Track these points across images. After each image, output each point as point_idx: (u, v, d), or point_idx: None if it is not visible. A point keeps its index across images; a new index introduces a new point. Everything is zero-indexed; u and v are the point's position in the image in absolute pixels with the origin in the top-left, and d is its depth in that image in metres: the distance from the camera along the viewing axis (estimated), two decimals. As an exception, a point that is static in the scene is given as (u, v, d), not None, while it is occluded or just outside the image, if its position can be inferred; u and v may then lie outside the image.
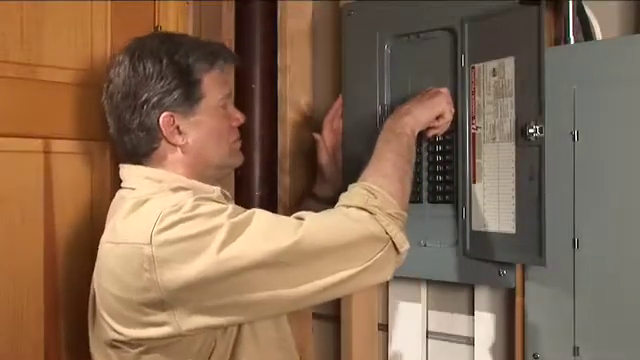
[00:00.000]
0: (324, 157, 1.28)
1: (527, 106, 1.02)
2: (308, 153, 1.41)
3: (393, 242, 0.93)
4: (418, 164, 1.15)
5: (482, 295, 1.19)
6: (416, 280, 1.26)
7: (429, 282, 1.27)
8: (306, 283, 0.89)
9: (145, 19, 1.36)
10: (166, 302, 0.89)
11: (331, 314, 1.39)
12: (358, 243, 0.91)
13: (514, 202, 1.04)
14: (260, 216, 0.92)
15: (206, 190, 1.03)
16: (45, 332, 1.22)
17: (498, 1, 1.06)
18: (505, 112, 1.06)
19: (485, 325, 1.18)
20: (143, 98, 1.00)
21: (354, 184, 0.98)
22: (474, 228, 1.11)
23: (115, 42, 1.18)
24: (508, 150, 1.05)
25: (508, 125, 1.05)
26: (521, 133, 1.02)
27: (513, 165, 1.04)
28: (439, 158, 1.17)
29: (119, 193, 1.05)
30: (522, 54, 1.02)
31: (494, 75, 1.07)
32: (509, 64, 1.05)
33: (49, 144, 1.22)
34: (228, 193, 1.10)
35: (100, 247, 1.00)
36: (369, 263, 0.91)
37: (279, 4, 1.42)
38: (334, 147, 1.29)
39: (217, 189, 1.05)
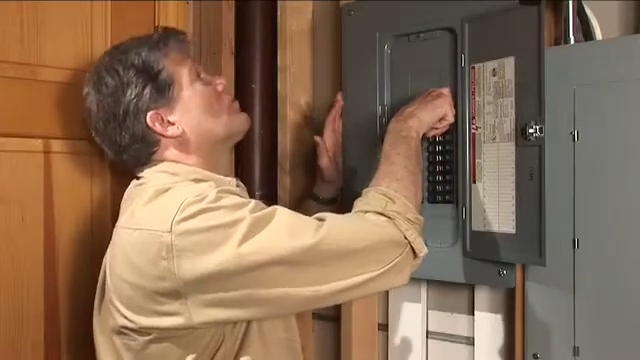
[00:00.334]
0: (324, 159, 1.28)
1: (527, 106, 1.02)
2: (308, 153, 1.41)
3: (412, 247, 0.93)
4: (418, 164, 1.15)
5: (482, 295, 1.19)
6: (416, 280, 1.26)
7: (429, 282, 1.27)
8: (323, 284, 0.89)
9: (145, 19, 1.36)
10: (180, 292, 0.89)
11: (331, 314, 1.39)
12: (377, 247, 0.91)
13: (514, 202, 1.04)
14: (282, 213, 0.92)
15: (223, 181, 1.03)
16: (45, 332, 1.22)
17: (498, 1, 1.06)
18: (505, 112, 1.06)
19: (485, 325, 1.18)
20: (121, 112, 1.01)
21: (369, 189, 0.98)
22: (474, 228, 1.11)
23: (115, 42, 1.18)
24: (508, 150, 1.05)
25: (508, 125, 1.05)
26: (521, 133, 1.02)
27: (513, 165, 1.04)
28: (439, 158, 1.17)
29: (134, 182, 1.05)
30: (522, 54, 1.02)
31: (494, 75, 1.07)
32: (509, 64, 1.05)
33: (49, 144, 1.22)
34: (242, 185, 1.10)
35: (115, 232, 0.99)
36: (387, 267, 0.91)
37: (279, 4, 1.42)
38: (335, 147, 1.29)
39: (233, 180, 1.05)
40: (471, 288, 1.21)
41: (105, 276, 1.00)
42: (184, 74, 1.05)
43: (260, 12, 1.45)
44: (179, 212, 0.89)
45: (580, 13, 1.05)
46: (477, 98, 1.10)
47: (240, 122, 1.12)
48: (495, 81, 1.07)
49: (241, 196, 0.98)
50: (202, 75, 1.09)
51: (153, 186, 0.97)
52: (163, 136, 1.03)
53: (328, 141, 1.28)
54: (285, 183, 1.41)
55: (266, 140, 1.45)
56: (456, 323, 1.24)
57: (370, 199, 0.96)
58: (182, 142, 1.04)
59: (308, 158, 1.41)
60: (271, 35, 1.44)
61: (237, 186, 1.08)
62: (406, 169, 0.99)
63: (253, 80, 1.45)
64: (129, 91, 1.01)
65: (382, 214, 0.93)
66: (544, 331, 1.06)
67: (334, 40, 1.38)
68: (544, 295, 1.06)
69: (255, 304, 0.90)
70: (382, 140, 1.06)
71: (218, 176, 1.04)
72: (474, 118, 1.11)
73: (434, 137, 1.16)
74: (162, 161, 1.04)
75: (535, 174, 1.00)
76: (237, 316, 0.92)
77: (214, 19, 1.47)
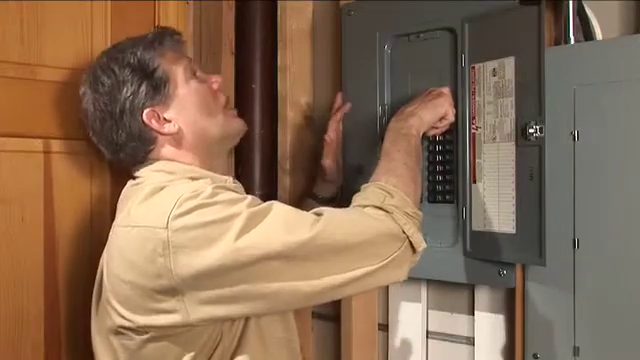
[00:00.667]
0: (329, 159, 1.27)
1: (527, 106, 1.02)
2: (308, 153, 1.41)
3: (410, 241, 0.93)
4: (419, 164, 1.15)
5: (482, 295, 1.19)
6: (416, 280, 1.26)
7: (429, 282, 1.27)
8: (321, 277, 0.88)
9: (145, 19, 1.36)
10: (177, 289, 0.88)
11: (331, 314, 1.39)
12: (375, 241, 0.91)
13: (514, 202, 1.04)
14: (279, 208, 0.92)
15: (219, 179, 1.03)
16: (45, 332, 1.22)
17: (498, 1, 1.06)
18: (505, 112, 1.06)
19: (485, 325, 1.18)
20: (118, 111, 1.01)
21: (368, 184, 0.98)
22: (474, 228, 1.11)
23: (115, 42, 1.18)
24: (508, 150, 1.05)
25: (508, 125, 1.05)
26: (521, 133, 1.02)
27: (513, 165, 1.04)
28: (439, 158, 1.17)
29: (131, 182, 1.05)
30: (522, 54, 1.03)
31: (494, 75, 1.07)
32: (509, 64, 1.05)
33: (49, 144, 1.22)
34: (239, 183, 1.11)
35: (112, 231, 0.99)
36: (385, 261, 0.90)
37: (279, 4, 1.42)
38: (336, 147, 1.29)
39: (229, 178, 1.05)
40: (471, 288, 1.21)
41: (102, 276, 1.00)
42: (179, 72, 1.05)
43: (260, 12, 1.45)
44: (175, 208, 0.88)
45: (580, 13, 1.05)
46: (477, 98, 1.10)
47: (236, 125, 1.13)
48: (495, 81, 1.07)
49: (237, 192, 0.98)
50: (198, 73, 1.09)
51: (150, 184, 0.97)
52: (160, 133, 1.03)
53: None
54: (285, 183, 1.41)
55: (266, 140, 1.45)
56: (456, 323, 1.24)
57: (369, 194, 0.96)
58: (178, 140, 1.04)
59: (308, 158, 1.41)
60: (271, 35, 1.44)
61: (233, 183, 1.07)
62: (406, 165, 0.99)
63: (253, 80, 1.45)
64: (125, 89, 1.01)
65: (380, 208, 0.93)
66: (544, 331, 1.06)
67: (334, 40, 1.38)
68: (544, 295, 1.06)
69: (252, 299, 0.89)
70: (382, 139, 1.06)
71: (214, 174, 1.04)
72: (474, 118, 1.11)
73: (434, 137, 1.16)
74: (158, 159, 1.04)
75: (535, 174, 1.00)
76: (235, 312, 0.91)
77: (214, 19, 1.47)
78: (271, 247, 0.87)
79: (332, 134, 1.27)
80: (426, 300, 1.28)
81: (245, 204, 0.90)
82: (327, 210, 0.93)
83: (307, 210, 0.95)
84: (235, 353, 0.98)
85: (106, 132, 1.04)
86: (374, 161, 1.04)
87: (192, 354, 0.94)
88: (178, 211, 0.88)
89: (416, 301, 1.28)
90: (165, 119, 1.03)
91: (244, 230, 0.87)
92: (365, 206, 0.94)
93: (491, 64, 1.08)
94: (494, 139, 1.08)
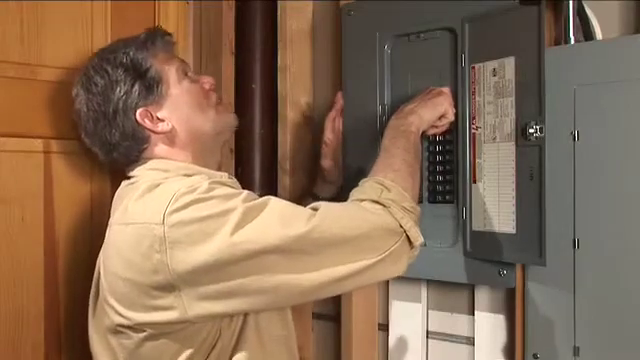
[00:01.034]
0: (328, 160, 1.28)
1: (527, 106, 1.02)
2: (308, 153, 1.41)
3: (407, 235, 0.92)
4: (418, 164, 1.15)
5: (482, 295, 1.19)
6: (416, 280, 1.26)
7: (429, 282, 1.27)
8: (318, 271, 0.88)
9: (145, 19, 1.36)
10: (174, 285, 0.88)
11: (331, 314, 1.39)
12: (372, 235, 0.90)
13: (514, 202, 1.04)
14: (275, 202, 0.92)
15: (214, 175, 1.03)
16: (45, 332, 1.22)
17: (498, 1, 1.06)
18: (505, 112, 1.06)
19: (485, 325, 1.18)
20: (111, 110, 1.02)
21: (366, 179, 0.98)
22: (474, 228, 1.11)
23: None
24: (508, 150, 1.05)
25: (508, 125, 1.05)
26: (521, 133, 1.02)
27: (513, 165, 1.04)
28: (439, 158, 1.17)
29: (125, 182, 1.05)
30: (522, 54, 1.03)
31: (494, 75, 1.07)
32: (509, 64, 1.05)
33: (49, 144, 1.22)
34: (235, 179, 1.11)
35: (108, 229, 1.00)
36: (383, 255, 0.90)
37: (279, 4, 1.42)
38: (335, 147, 1.29)
39: (225, 174, 1.05)
40: (471, 288, 1.21)
41: (99, 275, 1.01)
42: (172, 72, 1.06)
43: (260, 12, 1.45)
44: (171, 203, 0.89)
45: (580, 13, 1.05)
46: (477, 98, 1.10)
47: (228, 120, 1.13)
48: (495, 81, 1.07)
49: (234, 187, 0.98)
50: (189, 74, 1.10)
51: (145, 182, 0.97)
52: (153, 132, 1.03)
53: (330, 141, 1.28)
54: (285, 183, 1.41)
55: (266, 140, 1.45)
56: (456, 323, 1.24)
57: (366, 188, 0.96)
58: (172, 138, 1.04)
59: (308, 158, 1.41)
60: (271, 35, 1.44)
61: (229, 179, 1.07)
62: (404, 161, 0.99)
63: (253, 80, 1.45)
64: (118, 89, 1.02)
65: (377, 202, 0.93)
66: (544, 331, 1.06)
67: (334, 40, 1.38)
68: (544, 295, 1.06)
69: (250, 294, 0.89)
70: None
71: (209, 170, 1.05)
72: (474, 118, 1.11)
73: (434, 136, 1.16)
74: (152, 158, 1.04)
75: (535, 174, 1.00)
76: (233, 308, 0.91)
77: (214, 19, 1.47)
78: (267, 241, 0.87)
79: (330, 135, 1.28)
80: (426, 300, 1.28)
81: (241, 199, 0.90)
82: (324, 204, 0.93)
83: None
84: (233, 351, 0.98)
85: (99, 132, 1.04)
86: (374, 161, 1.04)
87: (190, 352, 0.94)
88: (174, 206, 0.88)
89: (416, 301, 1.28)
90: (158, 118, 1.03)
91: (240, 224, 0.87)
92: (362, 200, 0.94)
93: (491, 64, 1.08)
94: (494, 139, 1.08)
